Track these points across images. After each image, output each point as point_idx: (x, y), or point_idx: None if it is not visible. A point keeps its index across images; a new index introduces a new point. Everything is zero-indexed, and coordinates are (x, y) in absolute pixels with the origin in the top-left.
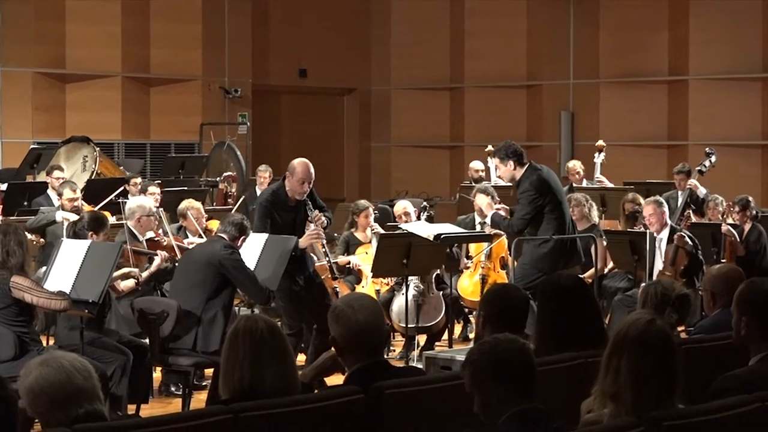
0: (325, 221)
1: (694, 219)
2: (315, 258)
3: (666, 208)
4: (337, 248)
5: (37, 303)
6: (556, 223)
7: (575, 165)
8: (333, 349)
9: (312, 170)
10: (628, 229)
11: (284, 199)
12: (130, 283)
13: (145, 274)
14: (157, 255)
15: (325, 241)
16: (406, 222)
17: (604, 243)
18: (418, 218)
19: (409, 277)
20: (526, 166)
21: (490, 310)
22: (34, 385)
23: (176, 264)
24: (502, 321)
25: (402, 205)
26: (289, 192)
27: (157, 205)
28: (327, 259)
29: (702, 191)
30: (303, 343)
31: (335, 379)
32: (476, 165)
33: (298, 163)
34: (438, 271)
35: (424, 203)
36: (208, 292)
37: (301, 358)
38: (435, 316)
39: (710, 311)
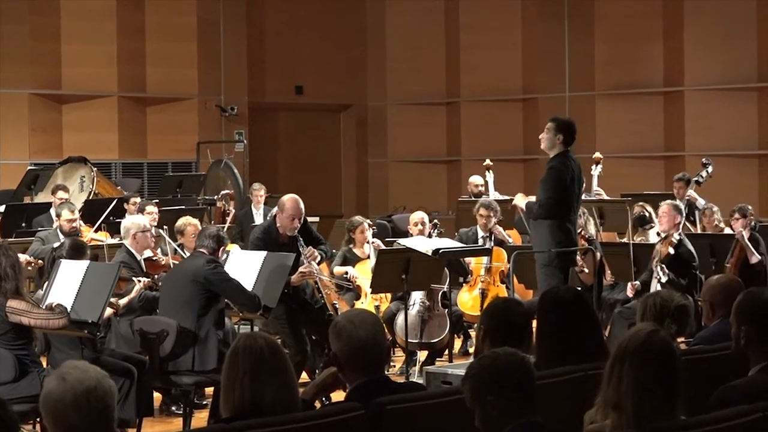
0: (319, 256)
1: (692, 229)
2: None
3: (682, 217)
4: (335, 261)
5: (36, 324)
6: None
7: None
8: (334, 365)
9: (302, 206)
10: (633, 237)
11: (276, 237)
12: (108, 312)
13: (124, 301)
14: (136, 282)
15: (319, 278)
16: (420, 231)
17: (599, 255)
18: (429, 234)
19: (416, 293)
20: (566, 151)
21: (491, 325)
22: (44, 393)
23: (157, 289)
24: (502, 335)
25: (419, 215)
26: (280, 228)
27: (155, 224)
28: (320, 296)
29: (701, 203)
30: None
31: (337, 396)
32: (475, 180)
33: (288, 199)
34: (445, 288)
35: (436, 221)
36: (197, 309)
37: (303, 377)
38: (439, 333)
39: (709, 322)
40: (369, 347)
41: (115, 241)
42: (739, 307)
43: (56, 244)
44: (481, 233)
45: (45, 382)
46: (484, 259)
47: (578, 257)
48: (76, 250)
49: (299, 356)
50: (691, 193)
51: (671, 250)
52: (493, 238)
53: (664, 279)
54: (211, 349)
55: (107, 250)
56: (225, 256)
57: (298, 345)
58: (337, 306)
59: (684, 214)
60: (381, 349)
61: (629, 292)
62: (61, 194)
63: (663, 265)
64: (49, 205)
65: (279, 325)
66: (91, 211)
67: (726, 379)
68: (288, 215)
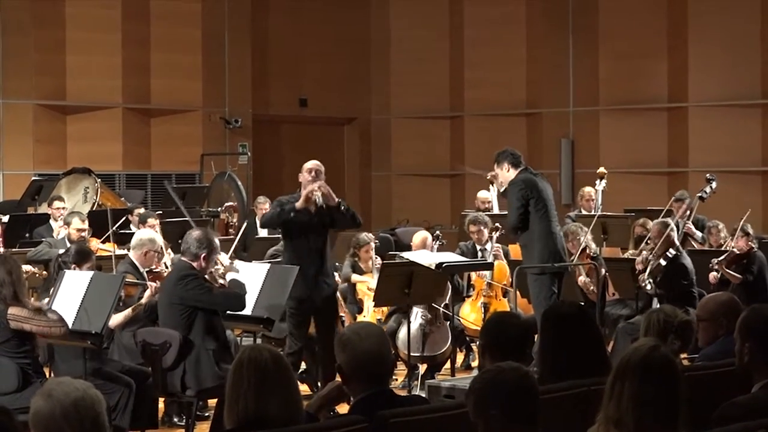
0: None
1: (696, 247)
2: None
3: (673, 231)
4: (345, 269)
5: (38, 331)
6: (539, 218)
7: (590, 191)
8: (339, 378)
9: (319, 163)
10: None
11: (294, 201)
12: (119, 319)
13: (127, 312)
14: (148, 286)
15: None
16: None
17: (603, 271)
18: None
19: (418, 306)
20: (521, 168)
21: (489, 340)
22: (33, 413)
23: None
24: (501, 350)
25: (421, 236)
26: (303, 190)
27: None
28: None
29: (698, 236)
30: (305, 374)
31: (341, 409)
32: (483, 195)
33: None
34: (447, 302)
35: (437, 232)
36: (183, 331)
37: (303, 388)
38: (441, 346)
39: (709, 339)
40: (374, 360)
41: (123, 251)
42: (743, 324)
43: (61, 251)
44: (479, 246)
45: (31, 403)
46: (486, 273)
47: (583, 273)
48: (82, 255)
49: (293, 357)
50: (690, 224)
51: (662, 262)
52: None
53: (650, 290)
54: (205, 368)
55: (115, 261)
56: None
57: (298, 339)
58: (342, 319)
59: (673, 229)
60: (386, 362)
61: (638, 264)
62: (57, 204)
63: (651, 280)
64: (48, 216)
65: (288, 314)
66: (95, 223)
67: (729, 395)
68: (306, 168)
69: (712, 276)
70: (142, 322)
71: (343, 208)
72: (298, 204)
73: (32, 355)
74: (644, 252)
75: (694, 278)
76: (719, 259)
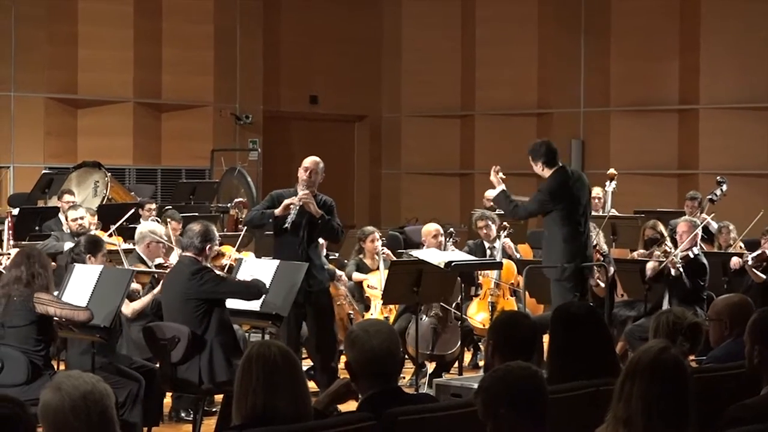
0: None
1: (705, 248)
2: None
3: (699, 231)
4: (349, 267)
5: (62, 314)
6: (563, 223)
7: (597, 192)
8: (347, 375)
9: (315, 160)
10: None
11: (292, 195)
12: (137, 306)
13: (147, 299)
14: (159, 277)
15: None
16: (439, 243)
17: (612, 270)
18: (444, 243)
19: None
20: (556, 167)
21: (498, 339)
22: (42, 406)
23: None
24: (510, 349)
25: (433, 226)
26: (298, 187)
27: (178, 234)
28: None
29: (713, 226)
30: (312, 371)
31: (348, 406)
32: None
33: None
34: (458, 301)
35: (451, 229)
36: (196, 327)
37: (310, 385)
38: (451, 345)
39: (719, 340)
40: (382, 357)
41: (129, 245)
42: (753, 327)
43: (67, 246)
44: (487, 244)
45: (41, 396)
46: (494, 273)
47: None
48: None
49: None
50: (704, 216)
51: (691, 254)
52: (501, 252)
53: (673, 273)
54: (218, 362)
55: (124, 256)
56: (238, 263)
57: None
58: (351, 316)
59: (700, 230)
60: (394, 360)
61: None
62: (67, 198)
63: (680, 265)
64: (58, 209)
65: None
66: (104, 216)
67: (738, 398)
68: (303, 166)
69: (735, 261)
70: (150, 318)
71: (320, 222)
72: (277, 211)
73: (47, 347)
74: (666, 245)
75: (707, 280)
76: (753, 254)
